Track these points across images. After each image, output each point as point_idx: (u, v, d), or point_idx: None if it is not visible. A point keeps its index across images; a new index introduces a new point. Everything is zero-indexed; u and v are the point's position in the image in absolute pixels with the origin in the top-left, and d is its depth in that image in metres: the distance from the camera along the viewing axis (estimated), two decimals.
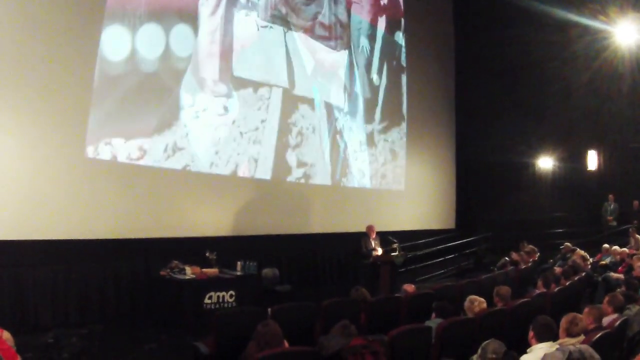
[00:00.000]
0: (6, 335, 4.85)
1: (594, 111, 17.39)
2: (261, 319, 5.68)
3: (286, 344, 5.19)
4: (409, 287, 8.63)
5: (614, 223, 17.45)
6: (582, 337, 5.22)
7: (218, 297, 10.06)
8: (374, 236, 12.53)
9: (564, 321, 5.34)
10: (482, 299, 6.87)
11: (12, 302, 8.97)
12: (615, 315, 6.40)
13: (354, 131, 16.12)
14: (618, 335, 5.80)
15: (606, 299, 6.83)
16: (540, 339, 5.07)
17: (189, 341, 7.11)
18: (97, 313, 9.88)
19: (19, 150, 9.32)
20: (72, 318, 9.57)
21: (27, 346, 7.70)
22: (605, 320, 6.20)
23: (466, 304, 6.87)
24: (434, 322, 6.37)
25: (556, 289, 8.59)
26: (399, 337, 5.42)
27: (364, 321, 7.17)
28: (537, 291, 8.65)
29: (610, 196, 17.57)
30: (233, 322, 6.36)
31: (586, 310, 6.11)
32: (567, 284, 9.17)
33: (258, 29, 13.33)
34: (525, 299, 7.60)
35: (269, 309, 6.61)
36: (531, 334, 5.17)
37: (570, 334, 5.24)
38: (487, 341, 4.72)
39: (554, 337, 5.16)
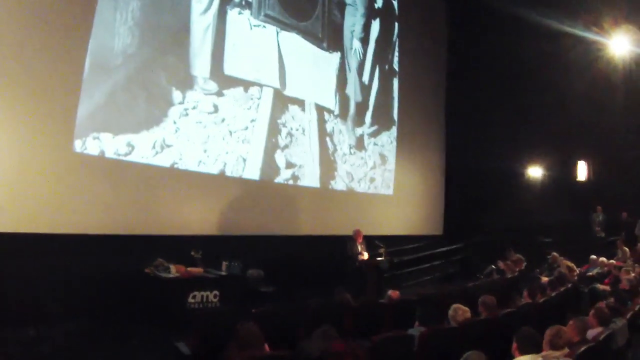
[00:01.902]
0: None
1: (585, 121, 17.33)
2: (243, 319, 5.63)
3: (267, 348, 5.13)
4: (394, 293, 8.60)
5: (602, 234, 17.48)
6: (566, 350, 5.18)
7: (202, 296, 10.00)
8: (360, 240, 12.47)
9: (548, 333, 5.30)
10: (466, 308, 6.83)
11: None
12: (600, 329, 6.36)
13: (344, 134, 16.06)
14: (602, 349, 5.75)
15: (592, 311, 6.80)
16: (524, 351, 5.03)
17: (170, 340, 7.06)
18: (80, 308, 9.72)
19: (4, 141, 9.23)
20: (55, 313, 9.43)
21: (9, 340, 7.66)
22: (590, 333, 6.16)
23: (450, 312, 6.82)
24: (417, 330, 6.32)
25: (542, 300, 8.56)
26: (381, 344, 5.38)
27: (348, 325, 7.12)
28: (523, 301, 8.60)
29: (599, 207, 17.61)
30: (214, 322, 6.33)
31: (571, 322, 6.07)
32: (553, 294, 9.14)
33: (251, 28, 13.28)
34: (510, 309, 7.56)
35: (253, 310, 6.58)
36: (514, 345, 5.13)
37: (554, 346, 5.19)
38: (468, 352, 4.66)
39: (537, 349, 5.12)
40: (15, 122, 9.34)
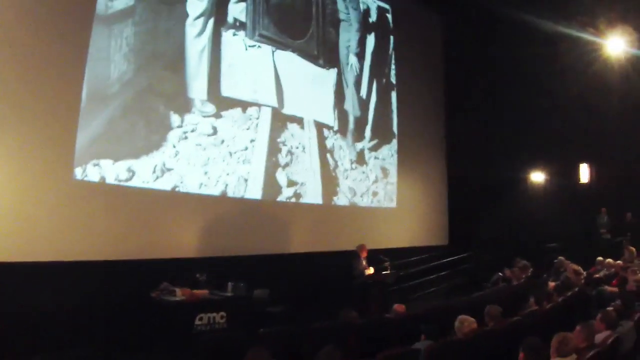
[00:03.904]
0: None
1: (585, 124, 17.34)
2: (249, 342, 5.61)
3: None
4: (400, 308, 8.57)
5: (608, 236, 17.44)
6: (574, 357, 5.15)
7: (209, 318, 9.92)
8: (365, 255, 12.41)
9: (554, 341, 5.28)
10: (472, 319, 6.79)
11: None
12: (608, 332, 6.34)
13: (344, 149, 16.06)
14: (610, 353, 5.73)
15: (599, 315, 6.77)
16: None
17: None
18: (87, 335, 9.70)
19: (5, 169, 9.25)
20: (59, 341, 9.40)
21: None
22: (598, 338, 6.13)
23: (456, 324, 6.78)
24: (423, 344, 6.29)
25: (549, 306, 8.50)
26: None
27: (354, 344, 7.09)
28: (530, 308, 8.54)
29: (603, 209, 17.59)
30: (221, 345, 6.29)
31: (578, 328, 6.03)
32: (560, 300, 9.08)
33: (246, 49, 13.31)
34: (517, 318, 7.51)
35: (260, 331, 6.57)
36: (521, 355, 5.10)
37: (561, 354, 5.17)
38: None
39: (544, 358, 5.09)
40: (14, 152, 9.35)
